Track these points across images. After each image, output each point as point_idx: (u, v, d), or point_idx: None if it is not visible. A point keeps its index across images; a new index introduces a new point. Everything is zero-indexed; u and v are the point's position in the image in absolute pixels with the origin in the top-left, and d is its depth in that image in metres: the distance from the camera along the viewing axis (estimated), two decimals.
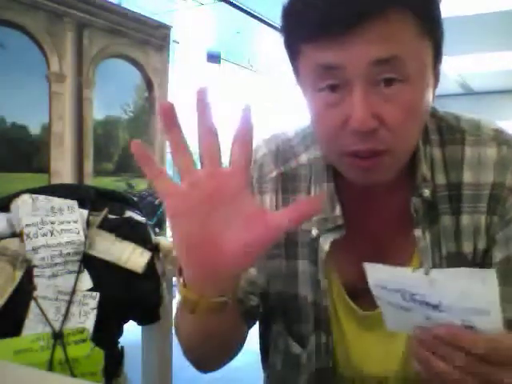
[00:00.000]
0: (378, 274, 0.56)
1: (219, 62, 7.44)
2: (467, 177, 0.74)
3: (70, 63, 2.56)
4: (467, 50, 6.54)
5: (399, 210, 0.76)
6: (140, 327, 1.51)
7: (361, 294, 0.77)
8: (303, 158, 0.82)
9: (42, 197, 1.25)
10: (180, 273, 0.62)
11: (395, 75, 0.62)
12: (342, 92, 0.64)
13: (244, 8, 5.53)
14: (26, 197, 1.23)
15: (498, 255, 0.73)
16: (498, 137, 0.75)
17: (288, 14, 0.66)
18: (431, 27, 0.65)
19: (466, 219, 0.74)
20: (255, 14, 5.50)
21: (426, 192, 0.73)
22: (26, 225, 1.19)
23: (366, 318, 0.78)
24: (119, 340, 1.31)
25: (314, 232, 0.78)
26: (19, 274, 1.15)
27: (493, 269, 0.53)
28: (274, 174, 0.83)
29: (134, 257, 1.25)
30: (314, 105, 0.68)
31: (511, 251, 0.73)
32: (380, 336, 0.77)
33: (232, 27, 6.19)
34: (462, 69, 7.47)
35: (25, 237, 1.18)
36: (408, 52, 0.62)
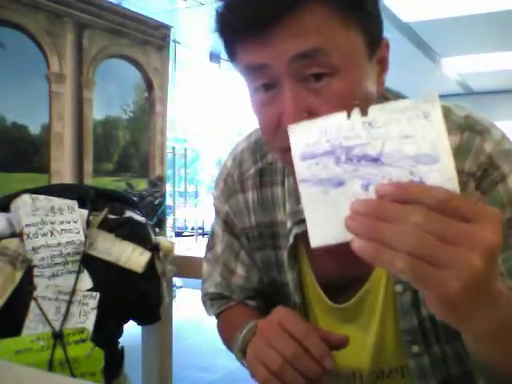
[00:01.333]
0: (305, 137, 0.51)
1: (219, 61, 7.44)
2: None
3: (69, 63, 2.56)
4: (467, 50, 6.54)
5: None
6: (140, 327, 1.51)
7: (336, 287, 0.79)
8: None
9: (42, 197, 1.25)
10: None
11: (321, 69, 0.62)
12: (274, 91, 0.64)
13: None
14: (26, 197, 1.23)
15: None
16: (465, 123, 0.72)
17: (217, 20, 0.68)
18: (357, 15, 0.63)
19: None
20: None
21: None
22: (26, 225, 1.19)
23: (338, 311, 0.79)
24: (119, 340, 1.31)
25: (289, 224, 0.80)
26: (19, 274, 1.15)
27: (437, 102, 0.45)
28: (253, 170, 0.85)
29: (134, 257, 1.25)
30: (252, 104, 0.69)
31: None
32: (354, 330, 0.78)
33: None
34: (462, 69, 7.47)
35: (25, 237, 1.18)
36: (330, 44, 0.61)
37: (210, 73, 7.80)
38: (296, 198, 0.79)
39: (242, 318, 0.80)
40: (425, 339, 0.74)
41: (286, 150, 0.65)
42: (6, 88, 2.29)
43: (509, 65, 7.07)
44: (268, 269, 0.87)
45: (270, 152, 0.80)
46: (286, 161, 0.68)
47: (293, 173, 0.77)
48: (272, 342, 0.64)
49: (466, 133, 0.71)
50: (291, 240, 0.79)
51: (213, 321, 0.99)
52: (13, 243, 1.18)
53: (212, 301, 0.96)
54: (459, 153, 0.70)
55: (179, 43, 6.68)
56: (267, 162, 0.85)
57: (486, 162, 0.69)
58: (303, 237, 0.76)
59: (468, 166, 0.69)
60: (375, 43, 0.67)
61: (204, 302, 0.99)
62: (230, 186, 0.88)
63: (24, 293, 1.15)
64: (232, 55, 0.69)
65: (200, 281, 1.00)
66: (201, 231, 9.65)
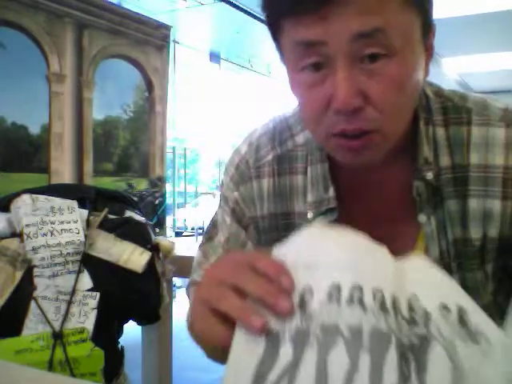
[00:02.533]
0: None
1: (219, 61, 7.45)
2: (474, 158, 0.70)
3: (69, 63, 2.56)
4: (467, 50, 6.55)
5: (401, 194, 0.73)
6: (140, 327, 1.51)
7: None
8: (300, 138, 0.79)
9: (42, 197, 1.25)
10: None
11: (380, 50, 0.58)
12: (325, 71, 0.60)
13: (244, 8, 5.53)
14: (25, 197, 1.23)
15: None
16: (507, 117, 0.71)
17: None
18: None
19: (473, 203, 0.71)
20: (255, 14, 5.50)
21: (429, 175, 0.69)
22: (26, 225, 1.19)
23: None
24: (119, 340, 1.31)
25: (310, 215, 0.76)
26: (19, 274, 1.15)
27: None
28: (270, 156, 0.80)
29: (133, 257, 1.25)
30: (297, 85, 0.65)
31: None
32: None
33: (232, 27, 6.19)
34: (462, 69, 7.47)
35: (25, 237, 1.18)
36: (392, 24, 0.58)
37: (210, 73, 7.80)
38: (324, 186, 0.75)
39: None
40: (446, 268, 0.71)
41: (332, 135, 0.63)
42: (6, 88, 2.29)
43: (508, 65, 7.07)
44: None
45: (315, 136, 0.72)
46: (331, 147, 0.66)
47: (327, 158, 0.73)
48: (239, 282, 0.51)
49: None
50: None
51: None
52: (13, 243, 1.18)
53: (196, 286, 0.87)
54: (510, 149, 0.69)
55: (179, 43, 6.69)
56: (287, 149, 0.80)
57: None
58: None
59: None
60: (428, 28, 0.64)
61: (188, 294, 0.90)
62: (243, 172, 0.83)
63: (24, 293, 1.15)
64: (277, 30, 0.64)
65: None
66: (201, 231, 9.64)
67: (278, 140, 0.81)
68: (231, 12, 5.55)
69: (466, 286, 0.72)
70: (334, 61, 0.59)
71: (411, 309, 0.47)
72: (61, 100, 2.53)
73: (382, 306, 0.46)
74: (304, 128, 0.77)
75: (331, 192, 0.74)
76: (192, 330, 0.62)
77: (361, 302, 0.46)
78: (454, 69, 7.45)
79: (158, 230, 2.90)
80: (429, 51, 0.66)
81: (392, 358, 0.44)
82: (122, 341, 1.31)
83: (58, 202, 1.25)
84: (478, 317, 0.47)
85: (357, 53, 0.58)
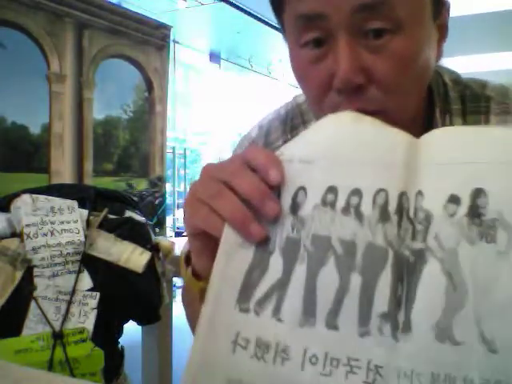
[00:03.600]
0: None
1: (219, 61, 7.45)
2: None
3: (70, 63, 2.56)
4: (467, 50, 6.55)
5: None
6: (140, 327, 1.51)
7: None
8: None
9: (42, 197, 1.25)
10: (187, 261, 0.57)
11: (384, 24, 0.55)
12: (326, 47, 0.57)
13: (244, 8, 5.53)
14: (25, 197, 1.23)
15: None
16: None
17: None
18: None
19: None
20: (255, 13, 5.51)
21: None
22: (26, 225, 1.19)
23: None
24: (119, 340, 1.31)
25: None
26: (19, 274, 1.15)
27: None
28: (281, 142, 0.77)
29: (133, 257, 1.25)
30: (298, 62, 0.61)
31: None
32: None
33: (232, 27, 6.19)
34: (462, 69, 7.47)
35: (25, 237, 1.18)
36: None
37: (210, 73, 7.80)
38: None
39: None
40: None
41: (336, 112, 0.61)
42: (6, 88, 2.29)
43: (509, 65, 7.07)
44: None
45: (315, 115, 0.69)
46: None
47: None
48: (230, 178, 0.47)
49: None
50: None
51: None
52: (13, 243, 1.18)
53: None
54: None
55: (179, 43, 6.69)
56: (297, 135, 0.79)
57: None
58: None
59: None
60: (441, 4, 0.60)
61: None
62: None
63: (24, 293, 1.15)
64: (279, 5, 0.62)
65: None
66: None
67: (289, 126, 0.78)
68: (231, 12, 5.55)
69: None
70: (336, 35, 0.56)
71: (415, 210, 0.40)
72: (61, 100, 2.53)
73: (383, 213, 0.41)
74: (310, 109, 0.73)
75: None
76: (187, 261, 0.58)
77: (357, 212, 0.42)
78: (454, 69, 7.45)
79: (157, 229, 2.90)
80: (442, 31, 0.62)
81: (386, 280, 0.39)
82: (122, 341, 1.31)
83: (57, 201, 1.25)
84: (502, 193, 0.38)
85: (360, 27, 0.55)
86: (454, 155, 0.40)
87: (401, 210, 0.41)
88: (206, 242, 0.49)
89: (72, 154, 2.58)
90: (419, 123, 0.65)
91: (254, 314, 0.42)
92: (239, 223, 0.45)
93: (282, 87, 8.15)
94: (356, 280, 0.40)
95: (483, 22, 5.33)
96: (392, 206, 0.41)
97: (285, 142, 0.75)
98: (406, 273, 0.39)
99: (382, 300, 0.39)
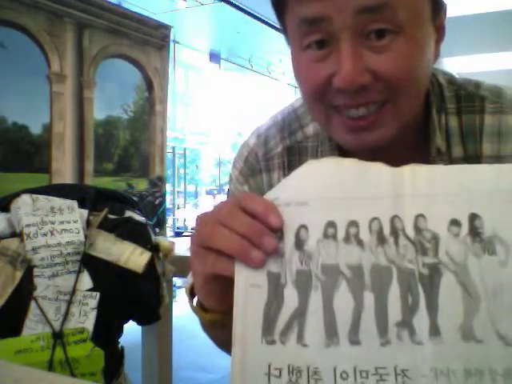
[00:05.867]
0: None
1: (219, 61, 7.45)
2: (486, 149, 0.67)
3: (70, 63, 2.56)
4: (467, 50, 6.55)
5: None
6: (140, 327, 1.51)
7: None
8: (310, 129, 0.77)
9: (42, 197, 1.25)
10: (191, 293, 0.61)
11: (386, 25, 0.56)
12: (329, 48, 0.58)
13: (244, 8, 5.53)
14: (25, 197, 1.23)
15: None
16: None
17: None
18: None
19: None
20: (255, 13, 5.51)
21: None
22: (26, 225, 1.19)
23: None
24: (119, 340, 1.31)
25: None
26: (19, 274, 1.15)
27: None
28: (280, 148, 0.78)
29: (133, 257, 1.25)
30: (300, 63, 0.62)
31: None
32: None
33: (232, 27, 6.19)
34: (462, 69, 7.47)
35: (25, 237, 1.18)
36: None
37: (210, 73, 7.80)
38: None
39: None
40: None
41: (333, 113, 0.61)
42: (6, 88, 2.29)
43: (509, 65, 7.08)
44: None
45: (313, 117, 0.71)
46: (336, 126, 0.63)
47: (336, 149, 0.70)
48: (227, 220, 0.50)
49: None
50: None
51: None
52: (13, 243, 1.18)
53: None
54: None
55: (179, 43, 6.69)
56: (296, 141, 0.77)
57: None
58: None
59: None
60: (438, 6, 0.62)
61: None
62: (252, 164, 0.81)
63: (24, 293, 1.15)
64: (281, 8, 0.63)
65: None
66: None
67: (287, 131, 0.79)
68: (231, 12, 5.56)
69: None
70: (339, 37, 0.57)
71: (418, 231, 0.46)
72: (62, 100, 2.53)
73: (380, 237, 0.47)
74: (307, 110, 0.74)
75: None
76: (192, 293, 0.62)
77: (357, 239, 0.47)
78: (454, 69, 7.46)
79: (157, 230, 2.90)
80: (439, 32, 0.64)
81: (395, 292, 0.45)
82: (122, 341, 1.31)
83: (58, 201, 1.25)
84: (493, 215, 0.46)
85: (362, 28, 0.56)
86: (439, 188, 0.48)
87: (395, 231, 0.47)
88: (216, 284, 0.53)
89: (73, 153, 2.58)
90: (418, 120, 0.67)
91: (280, 343, 0.46)
92: (239, 252, 0.48)
93: (281, 87, 8.15)
94: (369, 297, 0.46)
95: (483, 22, 5.33)
96: (386, 230, 0.47)
97: (284, 148, 0.78)
98: (421, 283, 0.45)
99: (395, 310, 0.45)
